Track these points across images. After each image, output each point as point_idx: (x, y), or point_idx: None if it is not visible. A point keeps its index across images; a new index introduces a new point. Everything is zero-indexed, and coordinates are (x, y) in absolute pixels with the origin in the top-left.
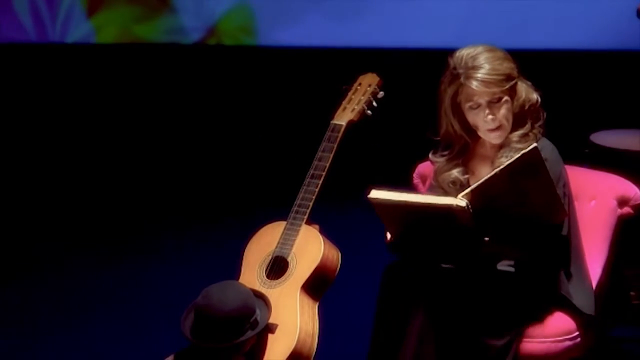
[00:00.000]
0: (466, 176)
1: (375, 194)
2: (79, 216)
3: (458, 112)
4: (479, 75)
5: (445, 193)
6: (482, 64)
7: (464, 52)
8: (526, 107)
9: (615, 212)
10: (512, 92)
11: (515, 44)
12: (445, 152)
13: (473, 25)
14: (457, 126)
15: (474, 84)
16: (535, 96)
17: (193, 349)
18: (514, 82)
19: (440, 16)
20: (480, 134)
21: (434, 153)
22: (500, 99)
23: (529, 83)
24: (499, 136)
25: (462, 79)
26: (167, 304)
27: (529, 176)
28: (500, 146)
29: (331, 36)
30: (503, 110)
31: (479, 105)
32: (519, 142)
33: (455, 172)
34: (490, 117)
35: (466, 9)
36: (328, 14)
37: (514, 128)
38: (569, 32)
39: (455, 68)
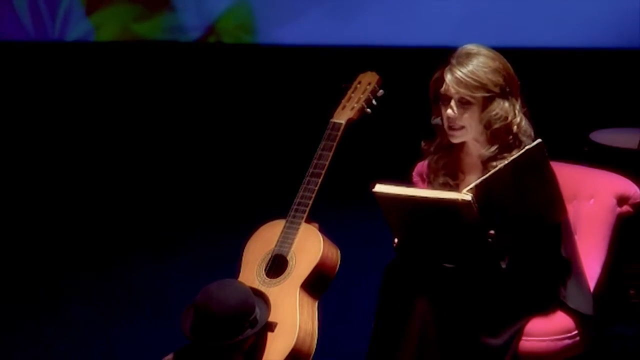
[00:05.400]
0: (456, 181)
1: (380, 188)
2: (76, 215)
3: (436, 98)
4: (457, 71)
5: None
6: (468, 64)
7: (468, 47)
8: (496, 125)
9: (614, 210)
10: (486, 103)
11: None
12: (434, 140)
13: (473, 24)
14: (435, 112)
15: (448, 77)
16: (516, 120)
17: (192, 347)
18: (489, 95)
19: (440, 14)
20: (444, 127)
21: (425, 141)
22: (468, 102)
23: (518, 107)
24: (455, 136)
25: (446, 68)
26: (166, 302)
27: (532, 172)
28: (482, 162)
29: (331, 34)
30: (467, 115)
31: (448, 99)
32: (495, 160)
33: (446, 175)
34: (452, 113)
35: (466, 7)
36: (328, 12)
37: (488, 143)
38: (568, 31)
39: (451, 55)
